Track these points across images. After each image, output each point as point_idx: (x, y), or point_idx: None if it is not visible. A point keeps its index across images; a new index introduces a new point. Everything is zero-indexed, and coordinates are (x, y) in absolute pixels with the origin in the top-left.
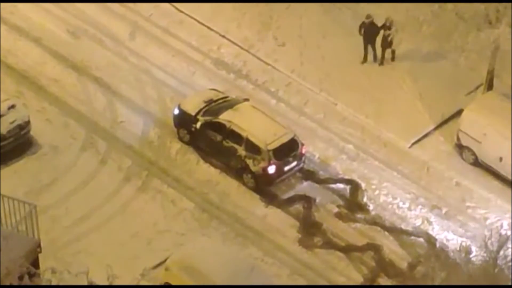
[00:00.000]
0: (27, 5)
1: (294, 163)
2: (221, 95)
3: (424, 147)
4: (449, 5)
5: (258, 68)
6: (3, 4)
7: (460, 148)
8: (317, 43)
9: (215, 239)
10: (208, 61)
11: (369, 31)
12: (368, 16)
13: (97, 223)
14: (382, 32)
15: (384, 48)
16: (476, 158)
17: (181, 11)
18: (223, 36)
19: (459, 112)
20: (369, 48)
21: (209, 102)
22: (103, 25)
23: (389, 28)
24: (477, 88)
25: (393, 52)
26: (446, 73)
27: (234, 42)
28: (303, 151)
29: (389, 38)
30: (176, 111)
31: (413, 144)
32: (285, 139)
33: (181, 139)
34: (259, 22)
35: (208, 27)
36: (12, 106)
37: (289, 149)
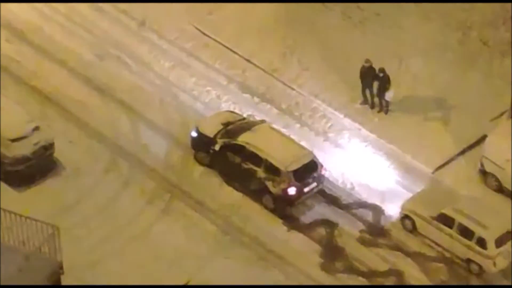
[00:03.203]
0: (52, 27)
1: (314, 184)
2: (238, 117)
3: (448, 173)
4: (474, 32)
5: (282, 92)
6: (28, 26)
7: (484, 174)
8: (341, 67)
9: (237, 262)
10: (232, 84)
11: (367, 75)
12: (367, 61)
13: (119, 245)
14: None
15: (378, 96)
16: (500, 184)
17: (205, 35)
18: (248, 60)
19: (483, 138)
20: (367, 92)
21: (227, 124)
22: (128, 47)
23: (382, 78)
24: (501, 114)
25: (386, 104)
26: (470, 99)
27: (258, 66)
28: (323, 172)
29: (380, 88)
30: (194, 134)
31: (436, 169)
32: (305, 160)
33: (198, 161)
34: (283, 46)
35: (233, 51)
36: (37, 128)
37: (309, 170)
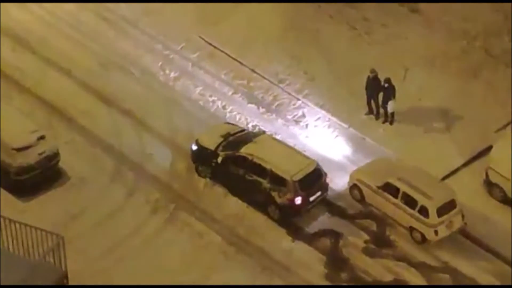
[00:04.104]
0: (57, 37)
1: (319, 193)
2: (237, 129)
3: (453, 183)
4: (478, 42)
5: (288, 102)
6: (34, 36)
7: (489, 184)
8: (346, 78)
9: (241, 272)
10: (238, 94)
11: (372, 86)
12: (372, 71)
13: (124, 255)
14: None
15: (383, 106)
16: (505, 195)
17: (211, 45)
18: (253, 70)
19: (488, 149)
20: (372, 103)
21: (227, 136)
22: (133, 57)
23: (387, 88)
24: (506, 125)
25: (391, 114)
26: (475, 109)
27: (264, 76)
28: (327, 181)
29: (384, 98)
30: (194, 147)
31: (441, 180)
32: (309, 169)
33: (200, 175)
34: (289, 57)
35: (239, 61)
36: (42, 137)
37: (313, 179)
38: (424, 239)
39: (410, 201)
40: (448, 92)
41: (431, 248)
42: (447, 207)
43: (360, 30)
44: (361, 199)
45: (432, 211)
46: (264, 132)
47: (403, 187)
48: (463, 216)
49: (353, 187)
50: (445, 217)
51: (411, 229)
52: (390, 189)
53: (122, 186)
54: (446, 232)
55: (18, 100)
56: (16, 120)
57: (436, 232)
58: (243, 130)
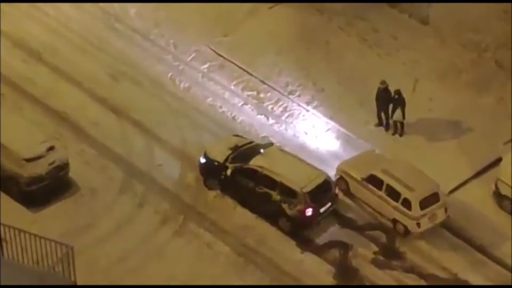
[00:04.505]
0: (68, 47)
1: (329, 204)
2: (245, 141)
3: (462, 195)
4: (488, 54)
5: (298, 114)
6: (44, 46)
7: (498, 196)
8: (356, 89)
9: (250, 284)
10: (247, 105)
11: (382, 97)
12: (382, 82)
13: (133, 266)
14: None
15: (392, 118)
16: None
17: (221, 56)
18: (263, 82)
19: (497, 161)
20: (383, 114)
21: (235, 148)
22: (143, 68)
23: (397, 100)
24: None
25: (401, 126)
26: (484, 121)
27: (273, 87)
28: (336, 192)
29: (394, 110)
30: (203, 160)
31: (450, 192)
32: (319, 180)
33: (208, 188)
34: (299, 68)
35: (248, 72)
36: (51, 148)
37: (323, 191)
38: (407, 231)
39: (393, 194)
40: (458, 103)
41: (440, 260)
42: (430, 200)
43: (370, 41)
44: (347, 191)
45: (415, 204)
46: (272, 143)
47: (387, 180)
48: (446, 209)
49: (340, 179)
50: (427, 209)
51: (394, 221)
52: (374, 181)
53: (131, 196)
54: (428, 225)
55: (29, 110)
56: (26, 131)
57: (418, 225)
58: (251, 142)
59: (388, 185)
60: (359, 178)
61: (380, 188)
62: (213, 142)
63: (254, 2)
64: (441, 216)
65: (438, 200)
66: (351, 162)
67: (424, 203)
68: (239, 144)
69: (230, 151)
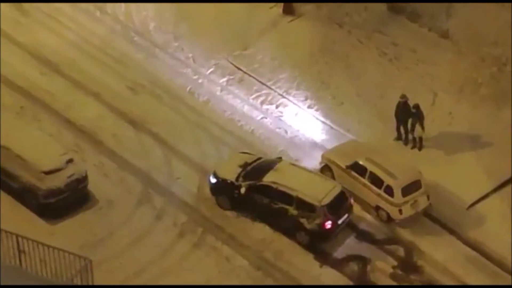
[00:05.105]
0: (86, 60)
1: (346, 215)
2: (253, 157)
3: (482, 209)
4: (508, 67)
5: (316, 127)
6: (63, 59)
7: None
8: (375, 102)
9: None
10: (266, 119)
11: (402, 111)
12: (402, 96)
13: (151, 278)
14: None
15: (412, 132)
16: None
17: (240, 69)
18: (282, 95)
19: None
20: (402, 129)
21: (245, 165)
22: (162, 81)
23: (415, 114)
24: None
25: (420, 140)
26: (503, 134)
27: (292, 101)
28: (351, 202)
29: (413, 124)
30: (213, 180)
31: (470, 206)
32: (335, 192)
33: (221, 206)
34: (318, 81)
35: (267, 86)
36: (70, 160)
37: (340, 202)
38: (389, 218)
39: (376, 181)
40: (477, 117)
41: (456, 273)
42: (412, 187)
43: (390, 55)
44: (332, 178)
45: (397, 191)
46: (281, 158)
47: (370, 167)
48: (428, 197)
49: (325, 167)
50: (409, 196)
51: (377, 208)
52: (358, 169)
53: (150, 209)
54: (410, 212)
55: (47, 123)
56: (45, 143)
57: (400, 211)
58: (260, 158)
59: (371, 173)
60: (343, 166)
61: (363, 176)
62: (222, 161)
63: (254, 2)
64: (423, 203)
65: (420, 188)
66: (336, 151)
67: (406, 190)
68: (249, 161)
69: (240, 169)
